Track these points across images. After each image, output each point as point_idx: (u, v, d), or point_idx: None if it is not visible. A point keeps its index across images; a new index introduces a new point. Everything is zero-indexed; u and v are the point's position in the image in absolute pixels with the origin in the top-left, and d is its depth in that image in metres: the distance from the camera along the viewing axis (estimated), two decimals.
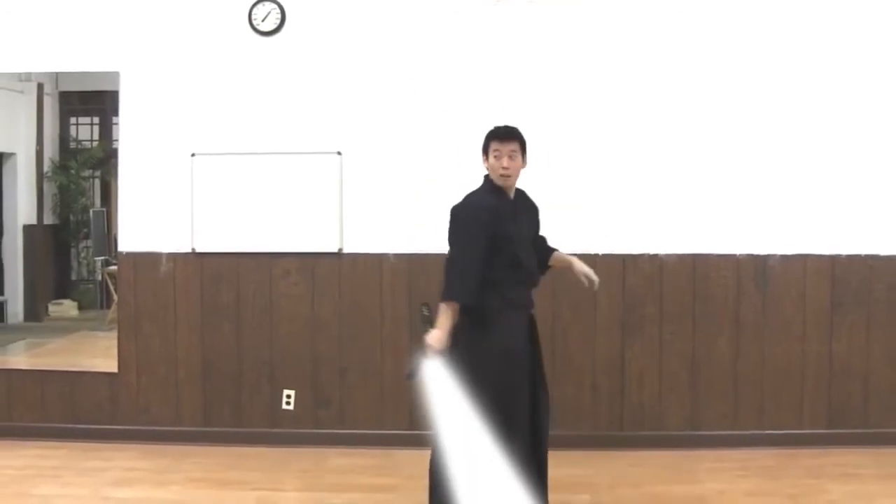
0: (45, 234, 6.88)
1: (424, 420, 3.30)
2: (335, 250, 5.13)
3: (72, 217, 7.02)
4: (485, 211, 3.55)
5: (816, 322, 5.02)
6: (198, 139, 5.13)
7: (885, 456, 4.80)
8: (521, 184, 3.73)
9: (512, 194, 3.68)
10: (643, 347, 5.05)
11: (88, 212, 7.06)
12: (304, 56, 5.11)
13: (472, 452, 3.11)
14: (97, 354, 5.97)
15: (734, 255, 5.02)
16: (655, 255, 5.04)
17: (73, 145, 7.03)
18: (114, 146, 5.81)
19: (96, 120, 7.04)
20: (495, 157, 3.60)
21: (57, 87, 6.67)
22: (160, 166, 5.16)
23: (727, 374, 5.04)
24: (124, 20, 5.14)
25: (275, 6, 5.10)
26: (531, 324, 3.72)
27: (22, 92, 6.39)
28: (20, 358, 6.35)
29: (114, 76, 5.18)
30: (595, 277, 3.78)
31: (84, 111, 6.99)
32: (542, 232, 3.87)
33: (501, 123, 3.68)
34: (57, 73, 6.21)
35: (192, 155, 5.13)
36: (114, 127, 5.98)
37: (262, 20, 5.11)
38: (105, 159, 6.91)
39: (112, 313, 5.99)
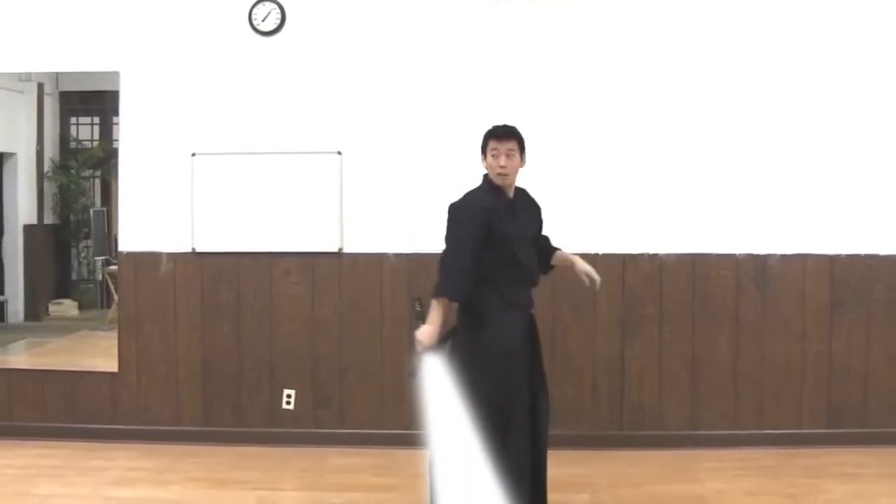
0: (45, 234, 6.88)
1: (422, 419, 3.30)
2: (335, 250, 5.14)
3: (72, 217, 7.03)
4: (481, 209, 3.55)
5: (816, 322, 5.02)
6: (198, 139, 5.14)
7: (884, 455, 4.81)
8: (521, 183, 3.73)
9: (511, 193, 3.68)
10: (643, 347, 5.06)
11: (89, 211, 7.07)
12: (304, 56, 5.11)
13: (458, 454, 3.07)
14: (97, 354, 5.97)
15: (734, 255, 5.02)
16: (655, 255, 5.05)
17: (73, 145, 7.04)
18: (114, 146, 5.83)
19: (96, 120, 7.06)
20: (493, 155, 3.60)
21: (57, 87, 6.68)
22: (160, 166, 5.16)
23: (727, 373, 5.04)
24: (124, 20, 5.14)
25: (275, 6, 5.11)
26: (531, 323, 3.72)
27: (22, 92, 6.40)
28: (21, 358, 6.35)
29: (114, 76, 5.18)
30: (597, 277, 3.77)
31: (84, 111, 7.00)
32: (542, 232, 3.87)
33: (500, 123, 3.68)
34: (57, 73, 6.22)
35: (193, 155, 5.13)
36: (114, 127, 5.99)
37: (263, 20, 5.11)
38: (105, 159, 6.93)
39: (112, 313, 6.00)
